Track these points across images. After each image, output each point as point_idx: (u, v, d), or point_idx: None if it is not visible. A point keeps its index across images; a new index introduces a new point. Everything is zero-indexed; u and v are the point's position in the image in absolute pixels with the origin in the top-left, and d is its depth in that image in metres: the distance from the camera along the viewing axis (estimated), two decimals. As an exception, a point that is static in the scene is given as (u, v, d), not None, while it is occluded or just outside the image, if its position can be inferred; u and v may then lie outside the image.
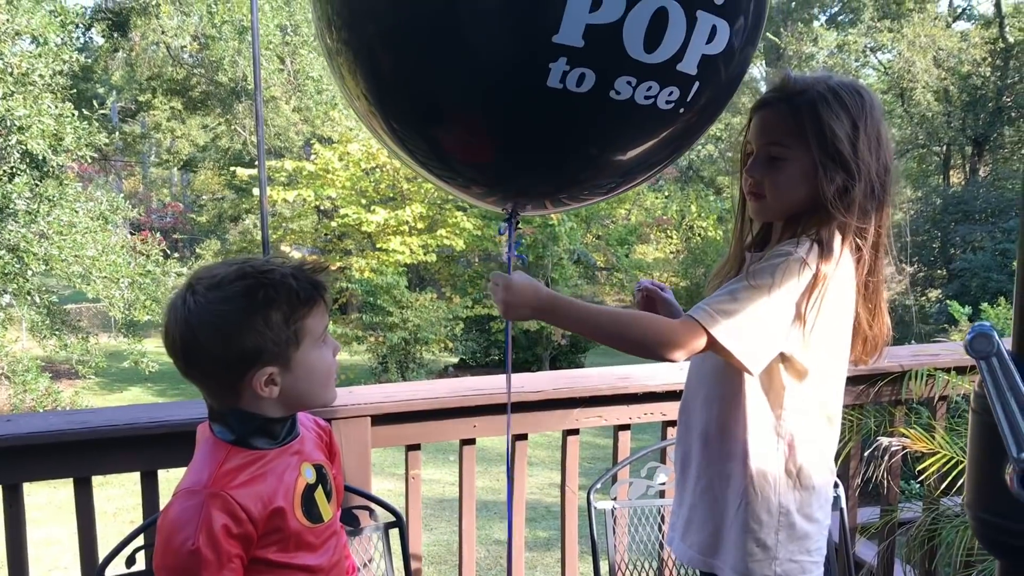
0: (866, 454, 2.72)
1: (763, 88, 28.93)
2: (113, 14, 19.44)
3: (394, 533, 2.08)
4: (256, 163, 18.96)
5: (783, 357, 1.59)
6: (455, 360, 17.07)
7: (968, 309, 9.61)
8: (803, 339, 1.57)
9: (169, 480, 2.07)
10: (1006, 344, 0.69)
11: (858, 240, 1.61)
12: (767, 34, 25.60)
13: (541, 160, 1.55)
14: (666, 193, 23.53)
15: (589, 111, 1.42)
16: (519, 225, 1.74)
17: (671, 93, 1.44)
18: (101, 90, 21.51)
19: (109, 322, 15.32)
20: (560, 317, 1.58)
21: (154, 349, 12.73)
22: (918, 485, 3.36)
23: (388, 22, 1.42)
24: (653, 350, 1.52)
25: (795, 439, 1.65)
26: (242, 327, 1.28)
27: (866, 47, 23.97)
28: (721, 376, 1.67)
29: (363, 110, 1.61)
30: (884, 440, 2.67)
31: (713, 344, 1.50)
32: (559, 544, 2.68)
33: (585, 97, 1.38)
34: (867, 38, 23.65)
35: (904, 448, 2.80)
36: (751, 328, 1.50)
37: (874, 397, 2.67)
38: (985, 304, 9.75)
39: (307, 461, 1.42)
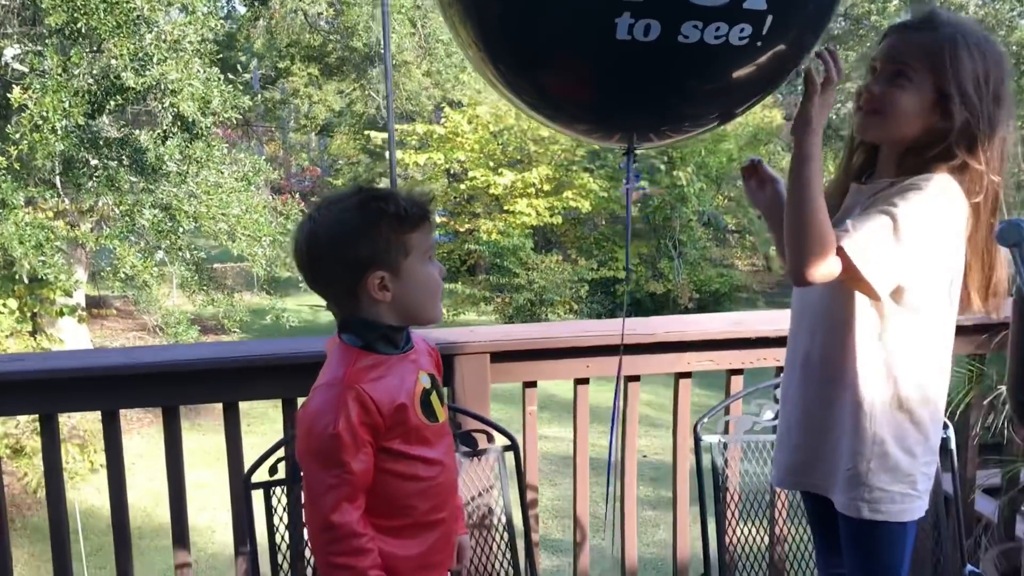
0: (985, 403, 2.66)
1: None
2: (256, -18, 20.17)
3: (509, 460, 2.21)
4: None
5: (900, 290, 1.60)
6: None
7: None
8: (922, 273, 1.60)
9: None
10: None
11: (974, 186, 1.61)
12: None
13: (632, 100, 1.65)
14: (800, 153, 22.82)
15: (660, 57, 1.51)
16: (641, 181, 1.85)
17: (743, 30, 1.49)
18: (243, 57, 22.40)
19: (249, 281, 16.09)
20: (805, 161, 1.53)
21: (294, 306, 13.34)
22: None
23: None
24: (809, 253, 1.52)
25: (900, 375, 1.67)
26: (357, 232, 1.48)
27: (1023, -4, 22.47)
28: (828, 305, 1.70)
29: (475, 57, 1.76)
30: (1004, 389, 2.60)
31: (846, 263, 1.53)
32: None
33: (654, 45, 1.47)
34: (1024, -13, 22.16)
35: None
36: (879, 251, 1.54)
37: (995, 347, 2.60)
38: None
39: (423, 370, 1.60)
